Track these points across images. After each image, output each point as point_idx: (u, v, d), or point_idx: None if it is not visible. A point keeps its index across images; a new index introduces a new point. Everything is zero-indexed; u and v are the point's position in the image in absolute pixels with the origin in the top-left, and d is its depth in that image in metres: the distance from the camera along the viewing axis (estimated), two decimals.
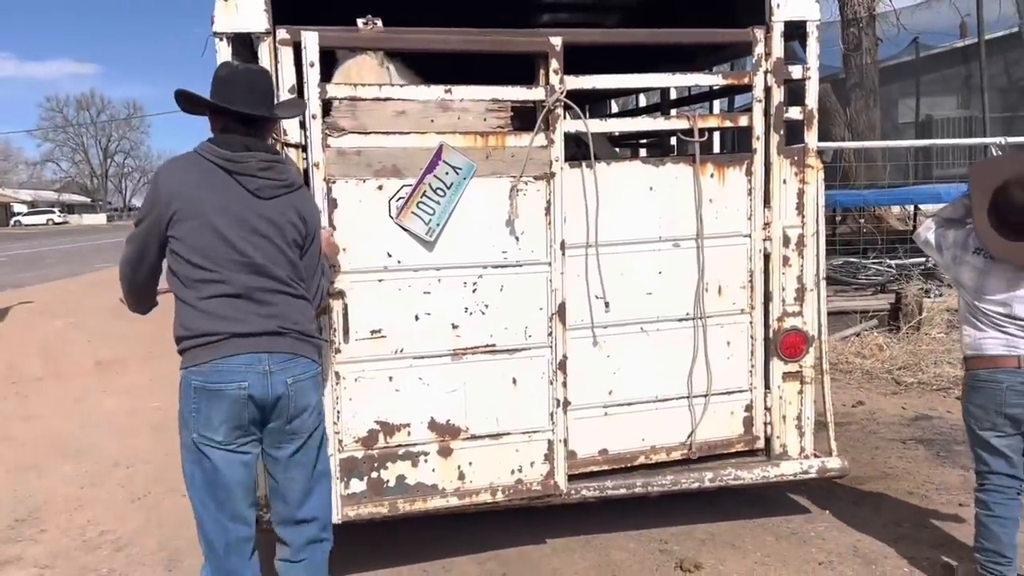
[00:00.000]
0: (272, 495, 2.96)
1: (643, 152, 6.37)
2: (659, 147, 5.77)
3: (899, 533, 4.28)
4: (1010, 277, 3.39)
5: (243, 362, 2.71)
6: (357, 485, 3.67)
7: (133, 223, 2.91)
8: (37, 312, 13.49)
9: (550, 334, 3.82)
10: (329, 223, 3.47)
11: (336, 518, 3.62)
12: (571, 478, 3.97)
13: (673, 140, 3.96)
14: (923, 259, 9.15)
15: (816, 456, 4.25)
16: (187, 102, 2.88)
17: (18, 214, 69.73)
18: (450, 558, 4.02)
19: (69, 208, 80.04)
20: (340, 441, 3.61)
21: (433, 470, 3.76)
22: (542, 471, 3.91)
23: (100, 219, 76.84)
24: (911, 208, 10.71)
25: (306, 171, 3.43)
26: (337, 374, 3.57)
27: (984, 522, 3.54)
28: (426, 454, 3.74)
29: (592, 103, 6.76)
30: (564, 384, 3.87)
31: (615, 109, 7.56)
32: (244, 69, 2.89)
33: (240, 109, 2.77)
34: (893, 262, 9.28)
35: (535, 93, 3.67)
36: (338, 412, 3.60)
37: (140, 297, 2.99)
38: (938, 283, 8.87)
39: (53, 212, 71.44)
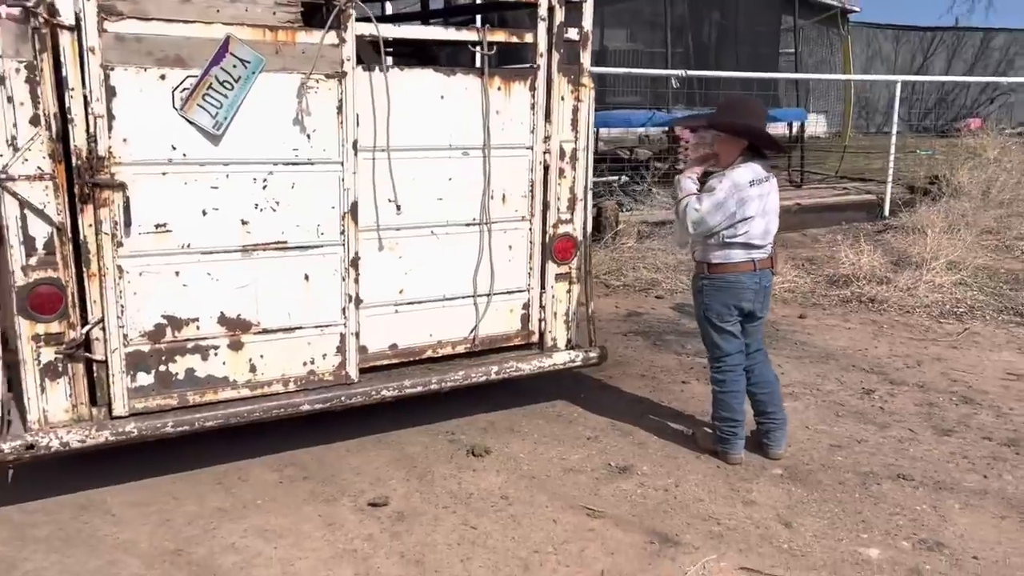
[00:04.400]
0: None
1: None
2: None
3: (641, 409, 4.65)
4: (763, 201, 3.74)
5: None
6: (144, 378, 3.46)
7: None
8: None
9: (342, 232, 3.73)
10: (107, 113, 3.15)
11: (123, 410, 3.43)
12: (362, 371, 3.95)
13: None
14: (616, 177, 9.69)
15: (579, 347, 4.49)
16: None
17: None
18: (244, 466, 3.85)
19: None
20: (125, 336, 3.37)
21: (224, 363, 3.61)
22: (334, 363, 3.86)
23: None
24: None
25: (81, 55, 3.08)
26: (120, 268, 3.31)
27: (721, 398, 3.93)
28: (216, 348, 3.58)
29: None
30: (356, 281, 3.81)
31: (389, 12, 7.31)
32: None
33: None
34: (595, 179, 9.79)
35: None
36: (122, 306, 3.34)
37: None
38: (631, 200, 9.50)
39: None
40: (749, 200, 3.69)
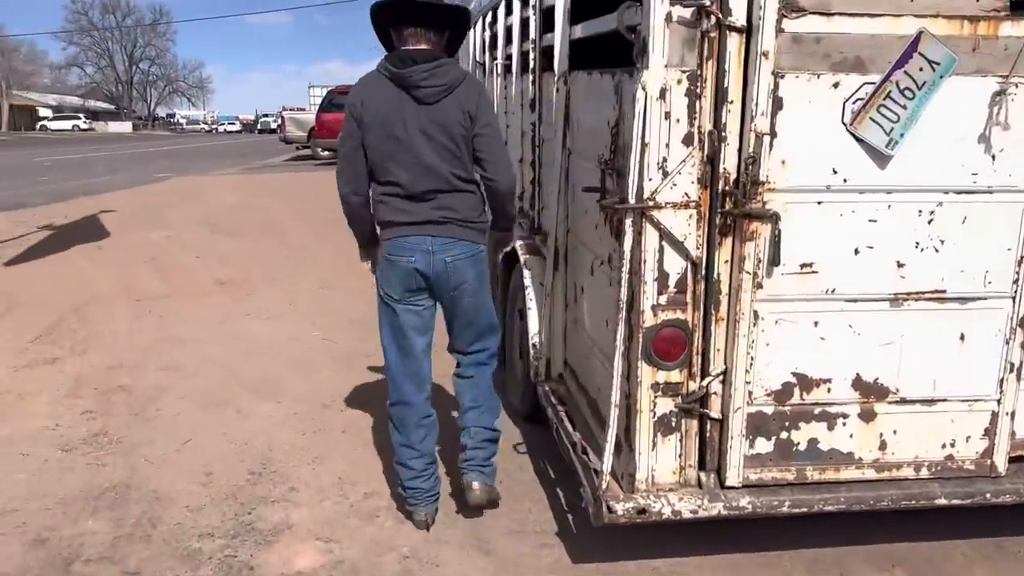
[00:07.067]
0: (449, 331, 3.36)
1: None
2: None
3: None
4: None
5: (413, 243, 3.09)
6: (763, 445, 2.85)
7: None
8: (126, 223, 11.27)
9: (1016, 282, 2.80)
10: (770, 129, 2.59)
11: (736, 480, 2.85)
12: (1009, 460, 2.98)
13: None
14: None
15: None
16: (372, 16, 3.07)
17: (44, 118, 63.76)
18: (836, 556, 3.15)
19: (93, 115, 72.22)
20: (750, 392, 2.79)
21: (851, 435, 2.88)
22: (978, 448, 2.93)
23: (126, 127, 69.34)
24: None
25: (747, 61, 2.56)
26: (756, 313, 2.73)
27: None
28: (845, 416, 2.86)
29: None
30: (1022, 346, 2.86)
31: None
32: None
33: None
34: None
35: None
36: (751, 358, 2.76)
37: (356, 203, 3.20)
38: None
39: (79, 118, 64.68)
40: None
